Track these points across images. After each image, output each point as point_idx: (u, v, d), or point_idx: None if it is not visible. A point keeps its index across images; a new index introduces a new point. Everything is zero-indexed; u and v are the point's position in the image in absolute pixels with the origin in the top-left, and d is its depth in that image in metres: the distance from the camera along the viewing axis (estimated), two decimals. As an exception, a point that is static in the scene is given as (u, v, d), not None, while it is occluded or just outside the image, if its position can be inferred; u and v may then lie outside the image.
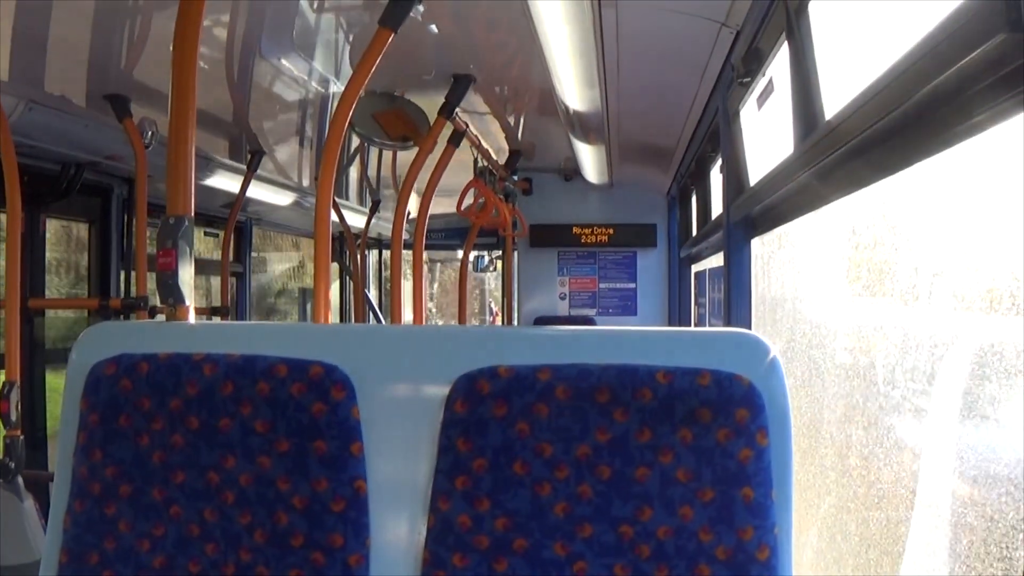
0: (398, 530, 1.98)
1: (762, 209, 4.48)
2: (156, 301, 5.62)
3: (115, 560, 2.01)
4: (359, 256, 10.20)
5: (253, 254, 9.82)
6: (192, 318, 2.97)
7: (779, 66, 3.98)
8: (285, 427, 1.95)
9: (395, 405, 2.01)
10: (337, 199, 8.65)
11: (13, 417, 4.67)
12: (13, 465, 4.67)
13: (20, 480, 4.69)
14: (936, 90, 2.20)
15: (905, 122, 2.49)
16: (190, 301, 2.92)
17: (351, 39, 5.33)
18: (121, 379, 2.02)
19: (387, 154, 8.76)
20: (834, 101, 3.22)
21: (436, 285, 21.47)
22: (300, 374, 1.96)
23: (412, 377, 2.02)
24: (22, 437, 4.76)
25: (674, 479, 1.85)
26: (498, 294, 15.51)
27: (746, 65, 4.14)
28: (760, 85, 4.34)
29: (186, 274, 2.89)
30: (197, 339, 2.11)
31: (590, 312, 10.71)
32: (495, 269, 13.51)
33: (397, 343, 2.08)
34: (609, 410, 1.87)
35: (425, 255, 6.71)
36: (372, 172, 9.59)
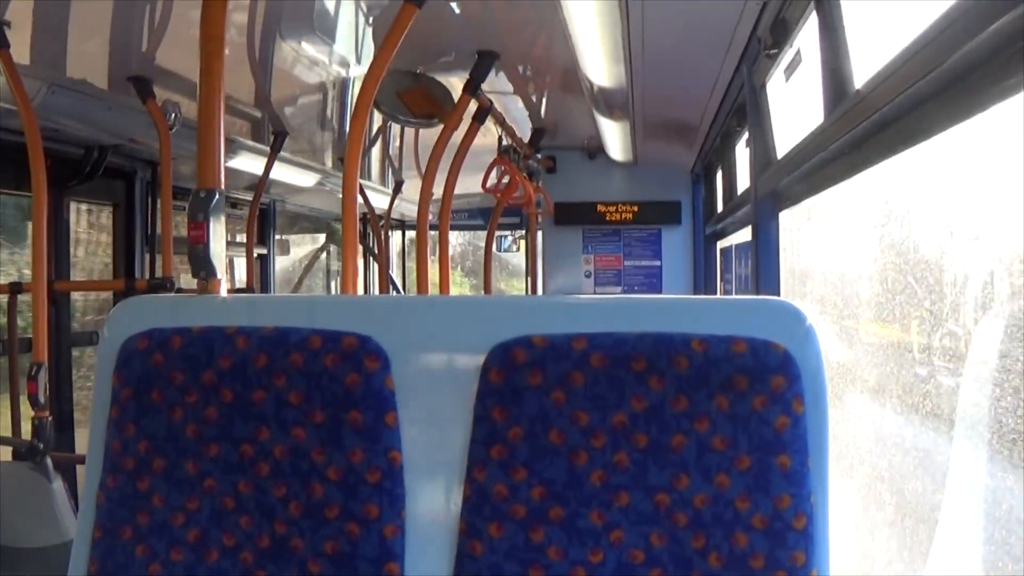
0: (433, 500, 1.98)
1: (790, 181, 4.45)
2: (181, 283, 5.67)
3: (149, 535, 2.01)
4: (383, 237, 10.20)
5: (277, 236, 9.85)
6: (224, 291, 2.96)
7: (806, 37, 3.94)
8: (320, 398, 1.95)
9: (429, 375, 2.00)
10: (360, 180, 8.65)
11: (41, 398, 4.69)
12: (42, 447, 4.69)
13: (49, 461, 4.71)
14: (967, 55, 2.18)
15: (937, 88, 2.47)
16: (222, 274, 2.91)
17: (371, 20, 5.32)
18: (153, 353, 2.02)
19: (409, 135, 8.76)
20: (863, 70, 3.19)
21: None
22: (334, 345, 1.96)
23: (446, 347, 2.01)
24: (50, 418, 4.78)
25: (710, 447, 1.84)
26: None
27: (773, 36, 4.11)
28: (787, 57, 4.30)
29: (218, 247, 2.88)
30: (229, 312, 2.11)
31: (615, 290, 10.69)
32: (518, 249, 13.48)
33: (430, 314, 2.07)
34: (645, 378, 1.86)
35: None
36: (394, 153, 9.59)
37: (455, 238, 13.90)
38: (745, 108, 5.38)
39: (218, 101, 2.91)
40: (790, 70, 4.38)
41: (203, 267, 2.88)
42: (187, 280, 6.11)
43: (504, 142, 7.53)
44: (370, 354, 1.96)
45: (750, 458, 1.83)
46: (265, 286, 9.27)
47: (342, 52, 5.91)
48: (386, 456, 1.95)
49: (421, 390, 1.99)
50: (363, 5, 5.17)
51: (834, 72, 3.45)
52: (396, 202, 9.94)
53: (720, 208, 8.45)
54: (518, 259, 14.06)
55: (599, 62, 5.27)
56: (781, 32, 4.07)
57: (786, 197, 4.77)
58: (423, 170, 6.02)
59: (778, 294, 4.97)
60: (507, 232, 13.01)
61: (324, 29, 5.42)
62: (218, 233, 2.87)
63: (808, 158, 3.86)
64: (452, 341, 2.01)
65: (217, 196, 2.86)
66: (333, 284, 12.19)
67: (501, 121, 6.92)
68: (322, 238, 12.24)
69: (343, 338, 1.97)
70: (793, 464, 1.82)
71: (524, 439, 1.90)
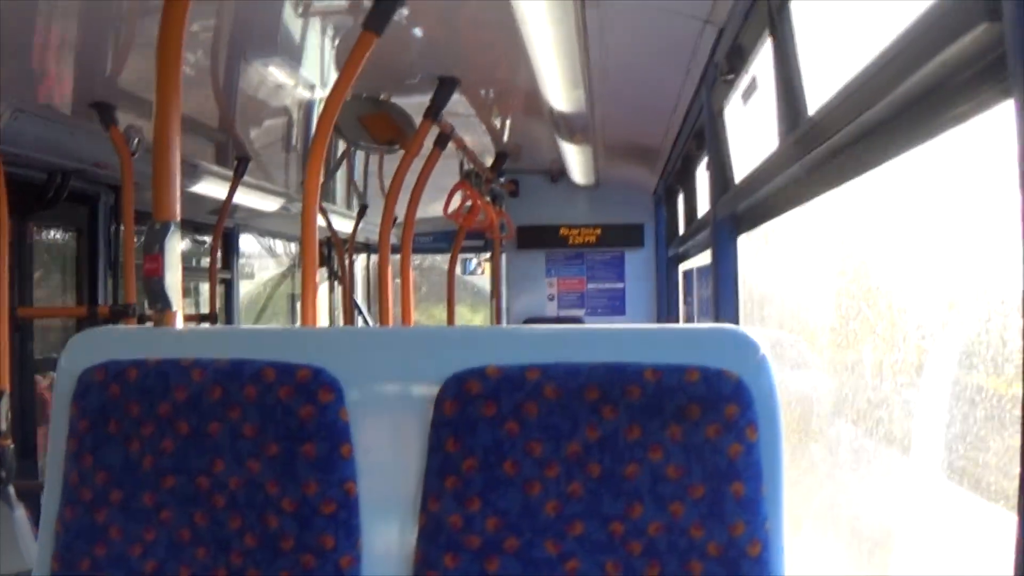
0: (389, 531, 1.98)
1: (748, 206, 4.48)
2: (145, 308, 5.65)
3: (107, 566, 2.00)
4: (347, 261, 10.19)
5: (242, 260, 9.82)
6: (180, 323, 2.97)
7: (762, 63, 3.98)
8: (274, 431, 1.95)
9: (384, 406, 2.01)
10: (324, 204, 8.64)
11: (3, 426, 4.65)
12: (4, 474, 4.65)
13: (11, 490, 4.67)
14: (918, 82, 2.20)
15: (889, 115, 2.50)
16: (177, 306, 2.91)
17: (336, 44, 5.33)
18: (110, 385, 2.02)
19: (374, 159, 8.75)
20: (817, 97, 3.22)
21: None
22: (288, 377, 1.96)
23: (400, 378, 2.02)
24: (12, 446, 4.75)
25: (664, 476, 1.84)
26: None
27: (730, 62, 4.15)
28: (744, 82, 4.35)
29: (173, 279, 2.88)
30: (185, 344, 2.11)
31: (579, 312, 10.72)
32: (483, 272, 13.49)
33: (385, 344, 2.08)
34: (598, 408, 1.87)
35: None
36: (359, 177, 9.59)
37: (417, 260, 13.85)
38: (704, 132, 5.42)
39: (175, 130, 2.92)
40: (747, 95, 4.42)
41: (159, 299, 2.88)
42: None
43: (466, 166, 7.55)
44: (324, 386, 1.96)
45: (704, 486, 1.83)
46: (229, 311, 9.23)
47: (307, 76, 5.92)
48: (341, 487, 1.95)
49: (376, 421, 2.00)
50: (327, 30, 5.17)
51: (788, 98, 3.48)
52: (360, 226, 9.93)
53: (682, 230, 8.48)
54: (483, 281, 14.05)
55: (559, 87, 5.30)
56: (737, 58, 4.11)
57: (745, 221, 4.80)
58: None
59: (736, 317, 5.00)
60: (472, 255, 13.02)
61: (289, 52, 5.42)
62: (174, 264, 2.87)
63: (765, 183, 3.89)
64: (406, 372, 2.01)
65: (172, 227, 2.86)
66: (298, 306, 12.13)
67: (463, 146, 6.94)
68: (287, 262, 12.21)
69: (297, 370, 1.97)
70: (747, 491, 1.83)
71: (478, 470, 1.90)
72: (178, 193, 2.90)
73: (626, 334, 2.01)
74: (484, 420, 1.91)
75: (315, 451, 1.95)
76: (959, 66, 2.02)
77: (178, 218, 2.88)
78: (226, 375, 1.98)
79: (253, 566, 1.96)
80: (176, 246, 2.86)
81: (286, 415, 1.95)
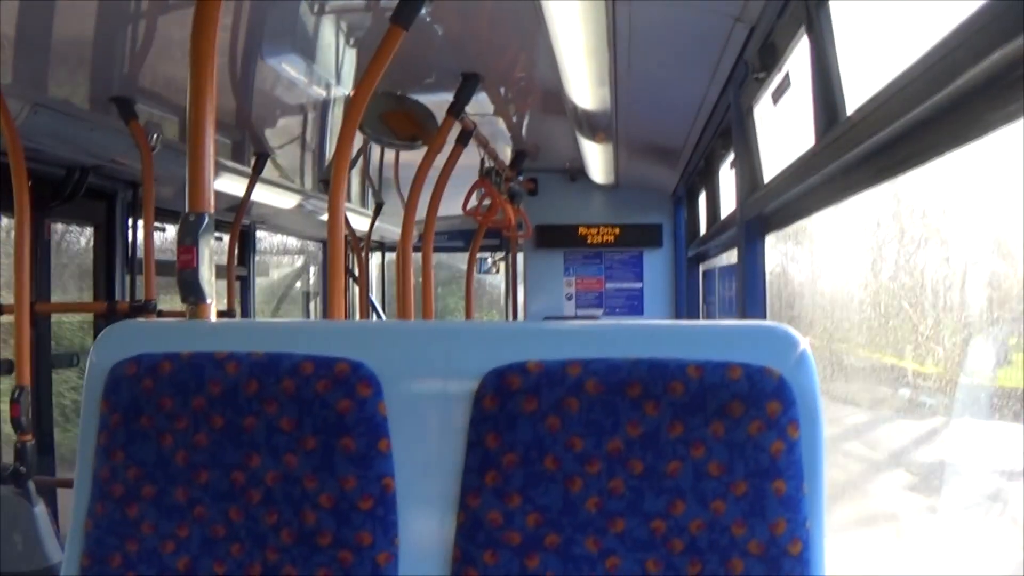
0: (427, 528, 1.95)
1: (778, 205, 4.45)
2: (163, 304, 5.63)
3: (138, 562, 1.98)
4: (363, 260, 10.18)
5: (257, 258, 9.82)
6: (213, 316, 2.93)
7: (796, 61, 3.94)
8: (311, 425, 1.92)
9: (422, 401, 1.98)
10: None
11: (24, 422, 4.64)
12: (24, 470, 4.64)
13: (31, 485, 4.66)
14: (966, 83, 2.19)
15: (933, 115, 2.48)
16: (211, 299, 2.88)
17: (352, 42, 5.31)
18: (143, 379, 1.99)
19: (389, 157, 8.75)
20: (855, 96, 3.19)
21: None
22: (326, 371, 1.93)
23: (439, 373, 1.99)
24: (33, 442, 4.74)
25: (706, 473, 1.83)
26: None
27: (761, 60, 4.11)
28: (775, 81, 4.31)
29: (207, 271, 2.85)
30: (219, 337, 2.08)
31: (597, 312, 10.71)
32: (498, 271, 13.49)
33: (423, 339, 2.05)
34: (640, 404, 1.84)
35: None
36: (375, 175, 9.58)
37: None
38: (730, 131, 5.39)
39: (208, 124, 2.88)
40: (778, 94, 4.38)
41: (192, 292, 2.84)
42: (167, 302, 6.09)
43: (486, 164, 7.53)
44: (362, 380, 1.93)
45: (746, 484, 1.81)
46: (245, 309, 9.23)
47: (322, 73, 5.90)
48: (379, 483, 1.93)
49: (414, 416, 1.97)
50: (344, 26, 5.15)
51: (825, 97, 3.45)
52: (376, 224, 9.93)
53: (703, 231, 8.46)
54: (496, 281, 14.05)
55: (584, 84, 5.27)
56: (769, 56, 4.08)
57: (773, 221, 4.78)
58: (404, 192, 6.01)
59: (764, 317, 4.97)
60: (487, 254, 13.03)
61: (305, 50, 5.40)
62: (207, 257, 2.84)
63: (796, 183, 3.86)
64: (445, 367, 1.99)
65: (207, 219, 2.82)
66: (312, 305, 12.15)
67: (484, 144, 6.92)
68: (301, 259, 12.21)
69: (335, 364, 1.94)
70: (788, 490, 1.81)
71: (519, 465, 1.88)
72: (212, 185, 2.86)
73: (667, 330, 2.00)
74: (525, 415, 1.88)
75: (353, 446, 1.92)
76: (1006, 68, 2.01)
77: (212, 210, 2.84)
78: (262, 368, 1.95)
79: (289, 563, 1.94)
80: (210, 239, 2.82)
81: (324, 409, 1.92)
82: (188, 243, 2.79)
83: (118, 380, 2.02)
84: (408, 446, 1.96)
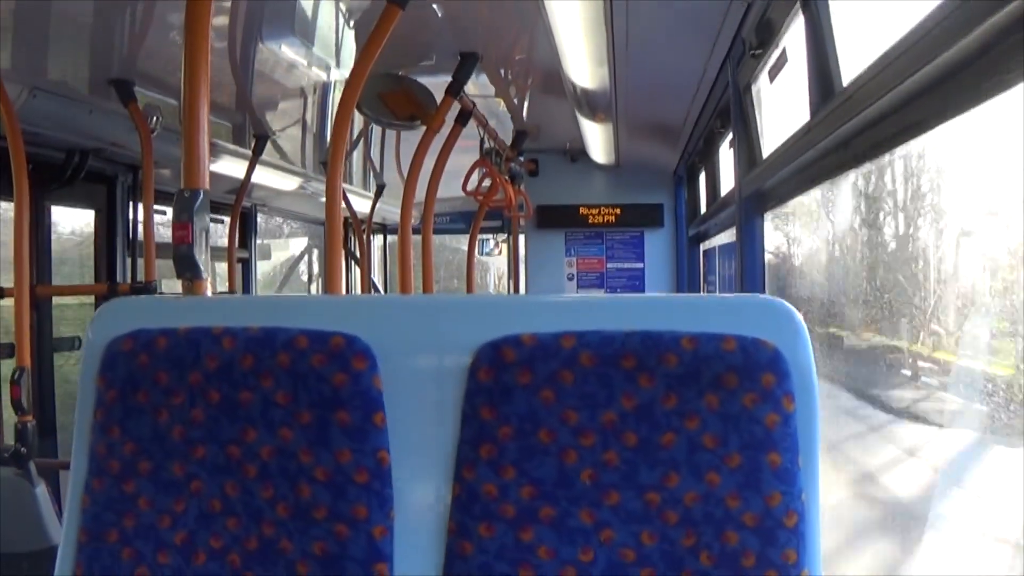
0: (422, 501, 1.96)
1: (775, 182, 4.45)
2: (163, 288, 5.65)
3: (135, 537, 1.98)
4: (365, 241, 10.19)
5: (258, 241, 9.83)
6: (209, 292, 2.93)
7: (792, 37, 3.94)
8: (307, 399, 1.93)
9: (417, 375, 1.98)
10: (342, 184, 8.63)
11: (25, 403, 4.66)
12: (25, 451, 4.66)
13: (32, 466, 4.68)
14: (958, 52, 2.19)
15: (926, 85, 2.47)
16: (207, 275, 2.88)
17: (352, 23, 5.31)
18: (139, 355, 1.99)
19: (391, 138, 8.75)
20: (850, 71, 3.19)
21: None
22: (321, 345, 1.93)
23: (434, 346, 1.98)
24: (33, 423, 4.76)
25: (701, 445, 1.82)
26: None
27: (759, 37, 4.12)
28: (772, 57, 4.31)
29: (202, 248, 2.85)
30: (214, 313, 2.08)
31: (598, 292, 10.69)
32: (500, 252, 13.50)
33: (418, 313, 2.05)
34: (634, 376, 1.84)
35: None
36: (376, 157, 9.58)
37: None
38: (729, 109, 5.39)
39: (203, 101, 2.88)
40: (775, 71, 4.38)
41: (188, 268, 2.85)
42: (168, 285, 6.11)
43: (486, 144, 7.52)
44: (357, 354, 1.93)
45: (740, 456, 1.81)
46: (247, 290, 9.25)
47: (322, 55, 5.90)
48: (374, 456, 1.93)
49: (409, 390, 1.97)
50: (343, 7, 5.15)
51: (820, 71, 3.45)
52: (377, 206, 9.93)
53: (703, 210, 8.46)
54: (499, 262, 14.05)
55: (583, 64, 5.27)
56: (766, 33, 4.08)
57: (771, 197, 4.78)
58: (405, 173, 6.01)
59: (763, 293, 4.97)
60: (488, 235, 13.03)
61: (304, 32, 5.40)
62: (203, 233, 2.84)
63: (794, 158, 3.87)
64: (440, 340, 1.99)
65: (202, 196, 2.83)
66: (313, 288, 12.17)
67: (484, 123, 6.91)
68: (303, 242, 12.23)
69: (330, 338, 1.94)
70: (783, 462, 1.81)
71: (513, 438, 1.88)
72: (207, 162, 2.86)
73: (661, 302, 1.99)
74: (519, 388, 1.88)
75: (348, 419, 1.92)
76: (998, 36, 2.01)
77: (207, 187, 2.84)
78: (258, 343, 1.95)
79: (285, 536, 1.94)
80: (205, 215, 2.82)
81: (319, 383, 1.92)
82: (183, 219, 2.79)
83: (114, 356, 2.02)
84: (403, 419, 1.96)
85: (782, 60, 4.21)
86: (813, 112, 3.52)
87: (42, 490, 4.65)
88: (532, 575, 1.87)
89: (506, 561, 1.88)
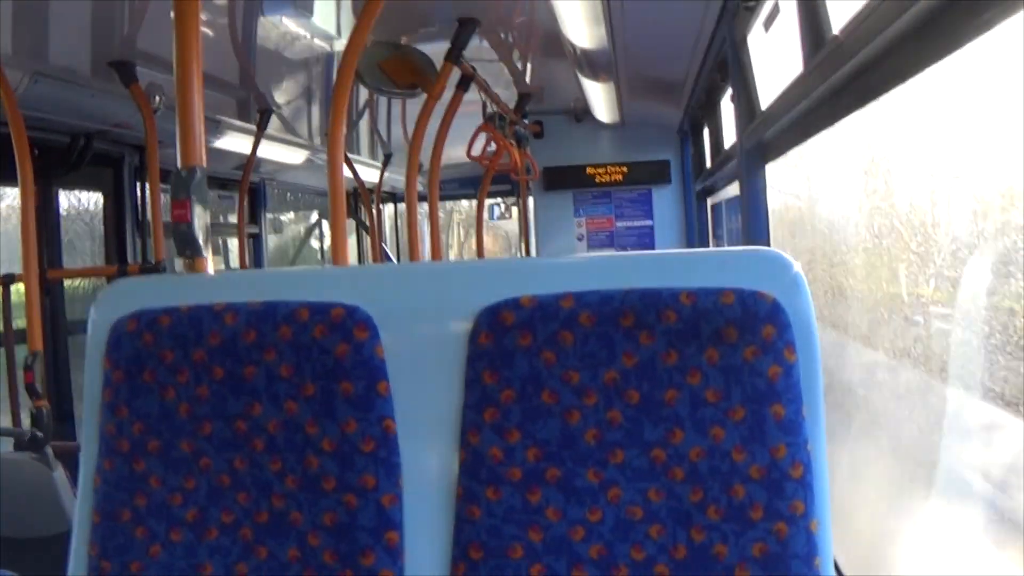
0: (430, 467, 1.96)
1: (775, 133, 4.45)
2: (174, 267, 5.68)
3: (147, 516, 2.01)
4: (374, 211, 10.20)
5: (269, 215, 9.85)
6: (211, 269, 2.95)
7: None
8: (310, 370, 1.94)
9: (419, 342, 1.98)
10: (349, 155, 8.65)
11: (39, 387, 4.69)
12: (41, 435, 4.69)
13: (49, 450, 4.70)
14: None
15: (913, 27, 2.47)
16: (207, 252, 2.90)
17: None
18: (143, 334, 2.01)
19: (396, 107, 8.74)
20: (840, 16, 3.19)
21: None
22: (322, 316, 1.95)
23: (434, 313, 1.99)
24: (48, 407, 4.78)
25: (704, 400, 1.82)
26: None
27: (750, -12, 4.12)
28: (766, 8, 4.31)
29: (201, 225, 2.87)
30: (216, 289, 2.10)
31: (609, 251, 10.68)
32: (510, 217, 13.48)
33: (416, 280, 2.06)
34: (634, 334, 1.84)
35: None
36: (382, 126, 9.58)
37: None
38: (727, 63, 5.38)
39: (196, 77, 2.88)
40: (769, 22, 4.38)
41: (188, 245, 2.85)
42: (180, 265, 6.14)
43: (489, 109, 7.52)
44: (359, 323, 1.94)
45: (744, 409, 1.81)
46: (258, 265, 9.26)
47: (322, 26, 5.89)
48: (380, 425, 1.94)
49: (411, 357, 1.98)
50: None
51: (811, 20, 3.45)
52: (386, 175, 9.93)
53: (709, 165, 8.44)
54: (510, 226, 14.04)
55: (580, 24, 5.27)
56: (758, -17, 4.08)
57: (771, 149, 4.77)
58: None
59: (768, 245, 4.97)
60: (497, 199, 13.02)
61: (304, 4, 5.40)
62: (201, 211, 2.85)
63: (790, 108, 3.86)
64: (440, 307, 1.99)
65: (199, 173, 2.84)
66: (323, 259, 12.19)
67: (485, 88, 6.91)
68: (314, 215, 12.24)
69: (331, 309, 1.95)
70: (787, 413, 1.81)
71: (516, 401, 1.89)
72: (203, 139, 2.87)
73: (658, 259, 1.99)
74: (520, 350, 1.89)
75: (352, 389, 1.94)
76: None
77: (204, 164, 2.86)
78: (259, 317, 1.97)
79: (295, 508, 1.96)
80: (204, 192, 2.84)
81: (322, 354, 1.94)
82: (182, 197, 2.80)
83: (119, 337, 2.04)
84: (407, 387, 1.97)
85: (775, 11, 4.21)
86: (806, 61, 3.53)
87: (59, 474, 4.66)
88: (541, 536, 1.88)
89: (515, 523, 1.89)
